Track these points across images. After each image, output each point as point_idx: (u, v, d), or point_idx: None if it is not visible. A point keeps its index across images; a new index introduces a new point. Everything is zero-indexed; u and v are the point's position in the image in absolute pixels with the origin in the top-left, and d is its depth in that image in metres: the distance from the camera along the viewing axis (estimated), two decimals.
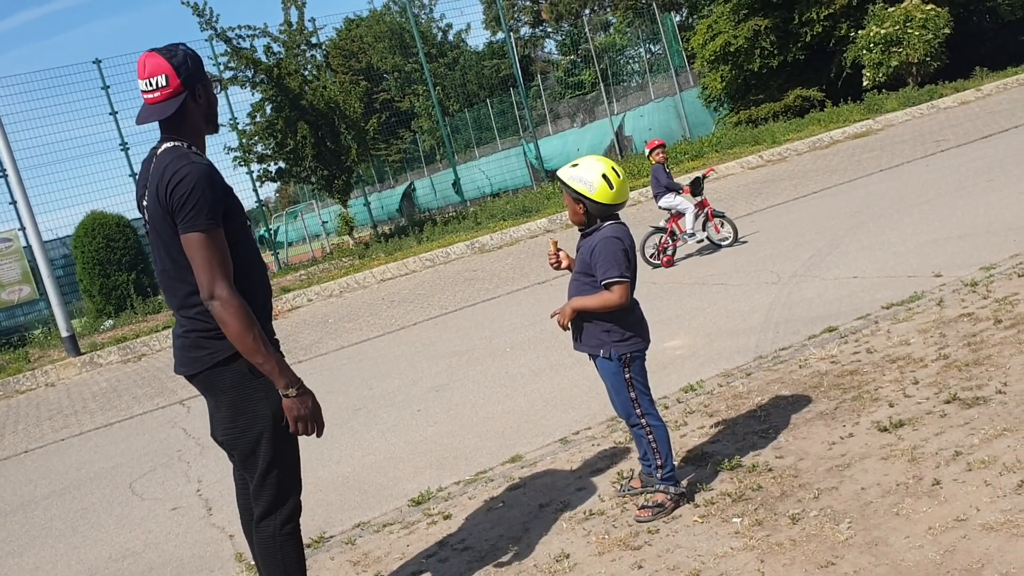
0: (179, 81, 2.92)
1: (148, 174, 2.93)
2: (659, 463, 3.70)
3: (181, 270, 2.88)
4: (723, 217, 9.78)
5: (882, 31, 21.19)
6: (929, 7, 21.10)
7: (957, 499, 3.15)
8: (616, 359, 3.69)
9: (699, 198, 9.65)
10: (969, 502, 3.11)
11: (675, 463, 3.78)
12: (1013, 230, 7.05)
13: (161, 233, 2.89)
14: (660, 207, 9.73)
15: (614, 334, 3.69)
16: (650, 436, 3.72)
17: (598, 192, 3.65)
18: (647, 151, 9.85)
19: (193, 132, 2.99)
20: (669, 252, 9.60)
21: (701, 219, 9.63)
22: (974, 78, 21.65)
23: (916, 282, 6.28)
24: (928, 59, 21.28)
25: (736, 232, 9.74)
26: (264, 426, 2.94)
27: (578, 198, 3.67)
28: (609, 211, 3.70)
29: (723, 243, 9.73)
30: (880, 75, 21.74)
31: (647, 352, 3.78)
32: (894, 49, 21.28)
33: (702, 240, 9.62)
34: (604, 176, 3.64)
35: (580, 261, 3.76)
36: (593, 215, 3.71)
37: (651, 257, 9.63)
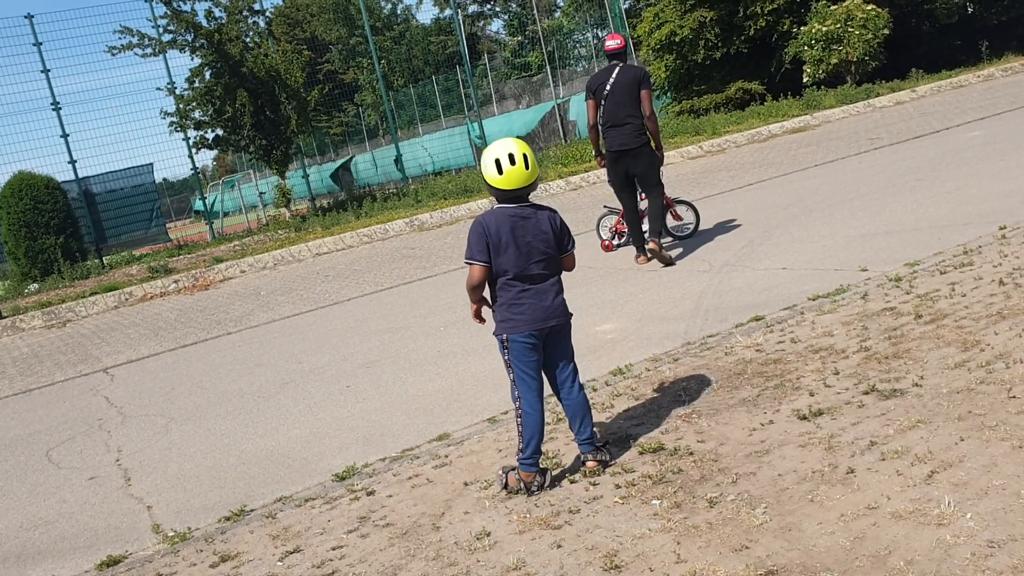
0: (624, 43, 8.46)
1: (609, 74, 8.27)
2: (520, 446, 3.80)
3: (636, 106, 8.15)
4: (686, 203, 9.40)
5: (824, 28, 21.54)
6: (870, 7, 21.51)
7: (870, 487, 3.23)
8: (498, 339, 3.82)
9: None
10: (881, 491, 3.19)
11: (541, 456, 3.85)
12: (938, 228, 7.24)
13: (630, 92, 8.15)
14: None
15: (498, 314, 3.83)
16: (519, 419, 3.83)
17: (487, 174, 3.72)
18: None
19: (626, 60, 8.48)
20: (624, 237, 9.32)
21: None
22: (910, 79, 22.15)
23: (842, 275, 6.41)
24: (867, 58, 21.70)
25: (698, 220, 9.32)
26: (657, 163, 8.46)
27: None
28: (504, 195, 3.75)
29: (680, 233, 9.32)
30: (820, 72, 22.10)
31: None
32: (834, 47, 21.65)
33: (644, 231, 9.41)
34: (496, 160, 3.68)
35: None
36: (495, 196, 3.79)
37: (606, 239, 9.49)
